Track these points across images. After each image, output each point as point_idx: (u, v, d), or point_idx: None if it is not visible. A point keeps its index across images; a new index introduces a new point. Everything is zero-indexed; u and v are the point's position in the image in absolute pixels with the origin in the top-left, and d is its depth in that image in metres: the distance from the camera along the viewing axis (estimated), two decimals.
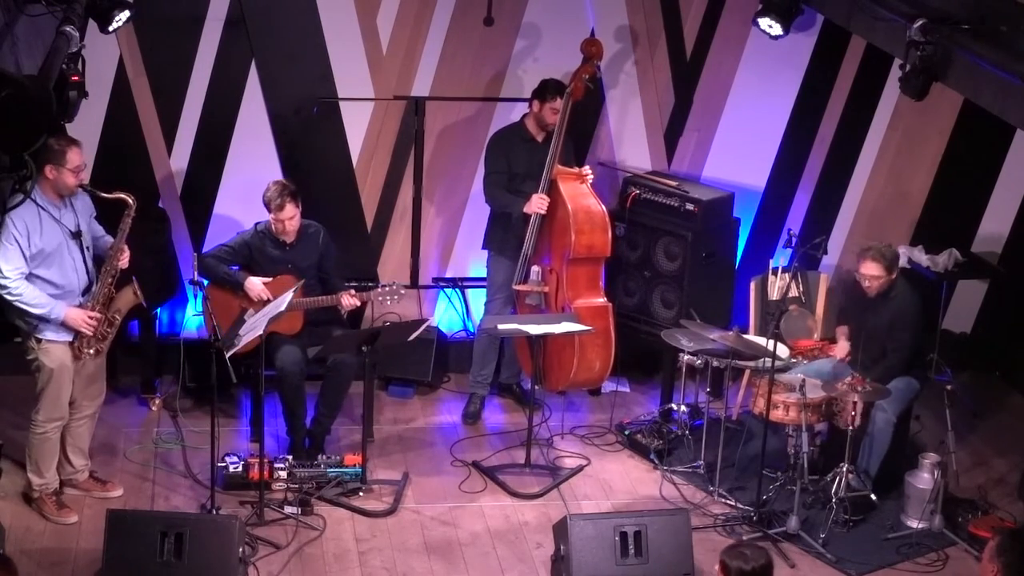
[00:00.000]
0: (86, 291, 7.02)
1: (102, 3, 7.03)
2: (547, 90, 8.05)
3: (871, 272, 7.52)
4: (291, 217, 7.62)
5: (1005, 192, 9.26)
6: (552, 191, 8.04)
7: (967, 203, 9.29)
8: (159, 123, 8.49)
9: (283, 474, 7.52)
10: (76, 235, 6.95)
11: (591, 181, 8.13)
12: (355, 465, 7.57)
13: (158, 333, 8.62)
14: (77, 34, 6.37)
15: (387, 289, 7.65)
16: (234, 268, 7.80)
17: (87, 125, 8.12)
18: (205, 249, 8.07)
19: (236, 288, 7.73)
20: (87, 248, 7.03)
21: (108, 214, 7.19)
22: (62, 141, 6.88)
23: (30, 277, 6.83)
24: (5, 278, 6.77)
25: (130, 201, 7.00)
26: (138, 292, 7.06)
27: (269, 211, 7.63)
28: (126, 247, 7.05)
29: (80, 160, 6.90)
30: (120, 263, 7.04)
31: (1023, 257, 9.28)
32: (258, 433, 7.72)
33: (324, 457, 7.67)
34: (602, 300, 8.17)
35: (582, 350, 8.00)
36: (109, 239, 7.14)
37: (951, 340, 9.24)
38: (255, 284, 7.69)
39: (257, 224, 7.86)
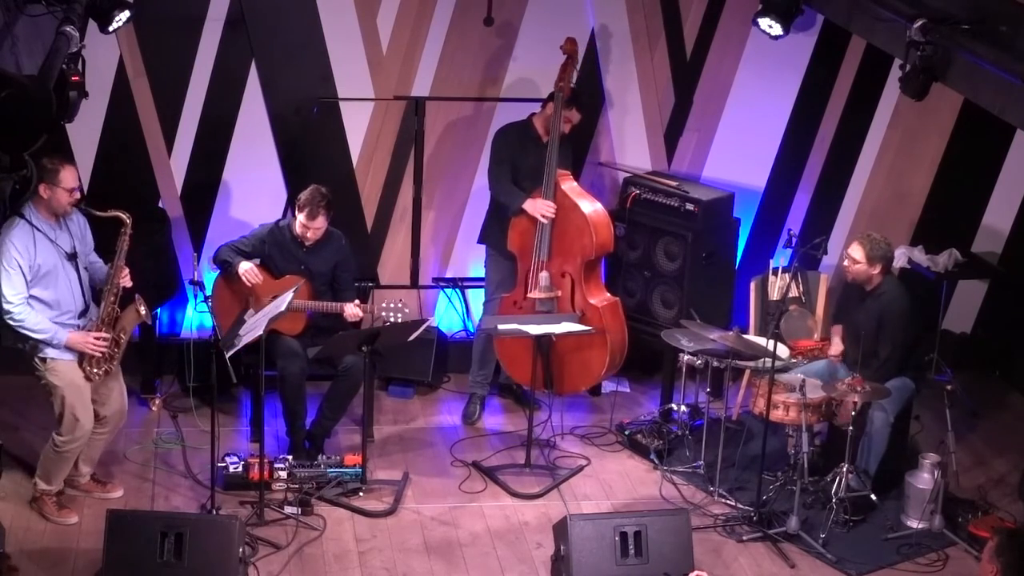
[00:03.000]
0: (82, 314, 6.99)
1: (102, 3, 7.02)
2: (570, 98, 8.00)
3: (852, 254, 7.53)
4: (319, 228, 7.63)
5: (1005, 192, 9.26)
6: (556, 195, 8.04)
7: (967, 203, 9.29)
8: (159, 123, 8.49)
9: (283, 474, 7.52)
10: (71, 257, 6.92)
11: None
12: (355, 465, 7.57)
13: (158, 333, 8.63)
14: (77, 34, 6.38)
15: (391, 307, 7.63)
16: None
17: (87, 125, 8.13)
18: (214, 247, 8.03)
19: (235, 276, 7.73)
20: (84, 270, 6.99)
21: (104, 231, 7.14)
22: (55, 160, 6.83)
23: (29, 299, 6.79)
24: (8, 303, 6.74)
25: (126, 219, 6.95)
26: (142, 310, 7.03)
27: (299, 212, 7.62)
28: (125, 265, 6.98)
29: (74, 181, 6.84)
30: (121, 282, 6.99)
31: (1023, 257, 9.28)
32: (258, 433, 7.72)
33: (324, 457, 7.67)
34: (611, 295, 8.22)
35: (613, 349, 8.06)
36: (104, 266, 7.09)
37: (951, 340, 9.24)
38: (245, 266, 7.68)
39: (279, 220, 7.88)
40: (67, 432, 6.98)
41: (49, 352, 6.87)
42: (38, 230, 6.80)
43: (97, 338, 6.91)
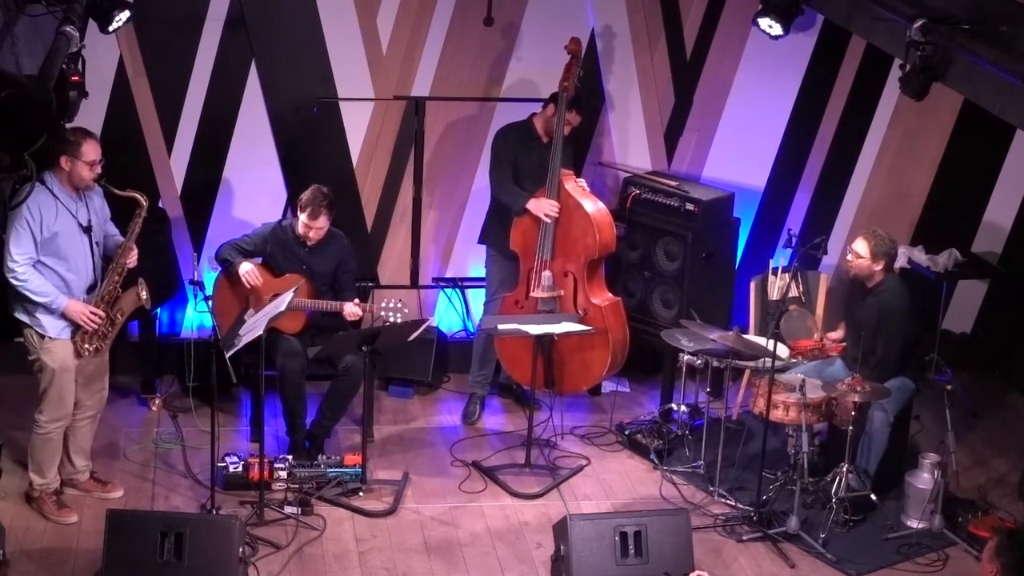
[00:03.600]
0: (91, 290, 7.01)
1: (102, 3, 7.03)
2: (570, 101, 8.00)
3: (855, 248, 7.53)
4: (321, 227, 7.64)
5: (1005, 192, 9.26)
6: (560, 195, 8.04)
7: (967, 203, 9.29)
8: (159, 123, 8.49)
9: (283, 474, 7.52)
10: (87, 230, 6.93)
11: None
12: (355, 465, 7.57)
13: (158, 333, 8.63)
14: (77, 34, 6.37)
15: (390, 306, 7.63)
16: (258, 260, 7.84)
17: (87, 125, 8.06)
18: (215, 247, 8.03)
19: (235, 276, 7.74)
20: (96, 244, 7.01)
21: (118, 214, 7.17)
22: (78, 133, 6.86)
23: (40, 266, 6.82)
24: (14, 261, 6.76)
25: (143, 201, 6.99)
26: (143, 294, 7.04)
27: (301, 212, 7.62)
28: (135, 246, 7.04)
29: (96, 154, 6.87)
30: (128, 262, 7.02)
31: (1023, 257, 9.28)
32: (258, 433, 7.72)
33: (324, 457, 7.67)
34: (613, 295, 8.22)
35: (615, 349, 8.04)
36: (121, 239, 7.11)
37: (951, 340, 9.24)
38: (245, 267, 7.69)
39: (281, 220, 7.89)
40: (48, 411, 7.00)
41: (49, 329, 6.89)
42: (58, 200, 6.82)
43: (93, 312, 6.92)
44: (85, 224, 6.93)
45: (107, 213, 7.13)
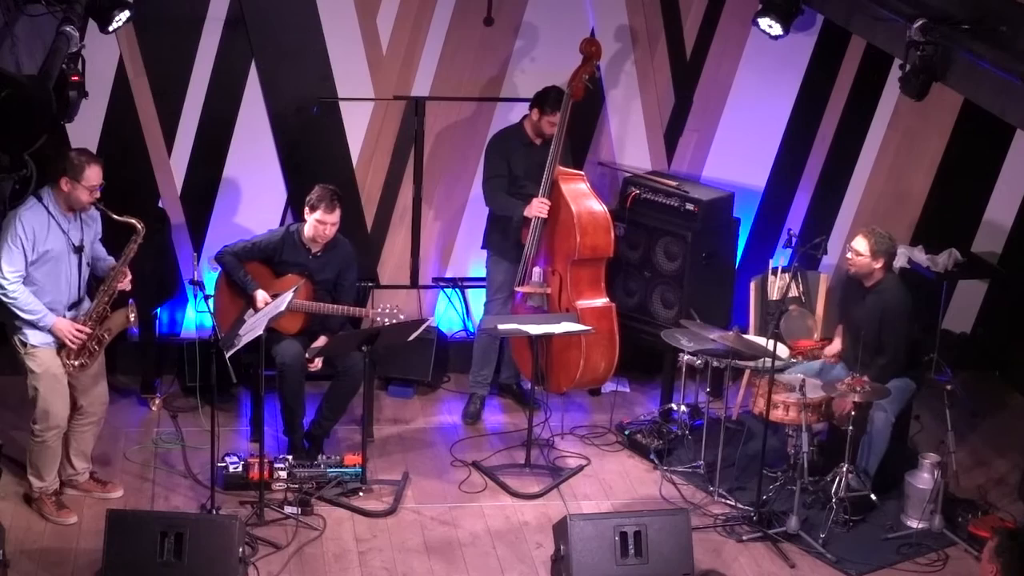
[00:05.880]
0: (73, 307, 7.00)
1: (102, 3, 7.03)
2: (547, 102, 8.00)
3: (855, 246, 7.50)
4: (335, 222, 7.61)
5: (1005, 192, 9.26)
6: (553, 193, 8.04)
7: (967, 203, 9.29)
8: (159, 123, 8.49)
9: (283, 474, 7.52)
10: (78, 250, 6.92)
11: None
12: (355, 465, 7.58)
13: (158, 333, 8.63)
14: (77, 34, 6.39)
15: (385, 311, 7.63)
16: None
17: (87, 125, 8.13)
18: (214, 247, 8.02)
19: (244, 293, 7.74)
20: (87, 264, 7.01)
21: (113, 234, 7.15)
22: (83, 157, 6.85)
23: (25, 280, 6.81)
24: (4, 278, 6.75)
25: (139, 227, 6.98)
26: (131, 316, 7.05)
27: (313, 212, 7.58)
28: (128, 271, 7.03)
29: (98, 179, 6.84)
30: (121, 285, 7.02)
31: (1023, 257, 9.28)
32: (258, 433, 7.72)
33: (324, 457, 7.68)
34: (605, 300, 8.17)
35: (588, 352, 7.99)
36: (111, 261, 7.10)
37: (951, 340, 9.24)
38: (260, 296, 7.68)
39: (289, 225, 7.88)
40: (40, 420, 7.00)
41: (31, 338, 6.89)
42: (53, 217, 6.81)
43: (79, 330, 6.93)
44: (77, 244, 6.91)
45: (98, 232, 7.11)
